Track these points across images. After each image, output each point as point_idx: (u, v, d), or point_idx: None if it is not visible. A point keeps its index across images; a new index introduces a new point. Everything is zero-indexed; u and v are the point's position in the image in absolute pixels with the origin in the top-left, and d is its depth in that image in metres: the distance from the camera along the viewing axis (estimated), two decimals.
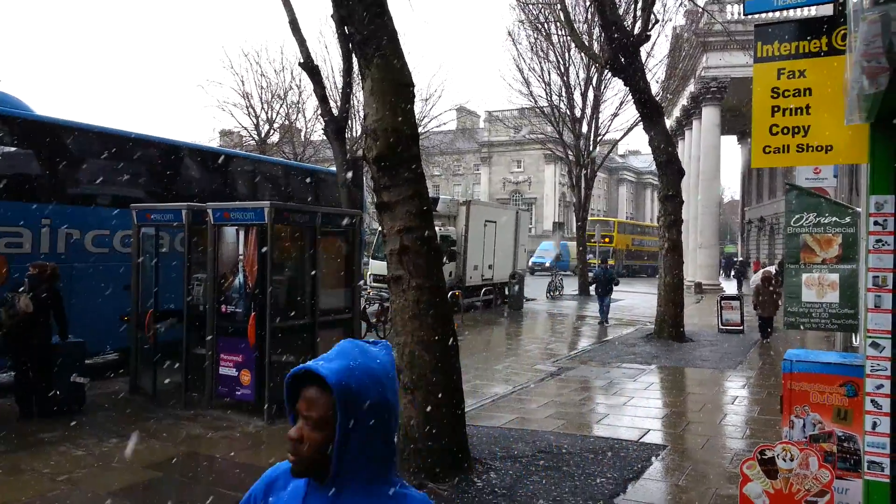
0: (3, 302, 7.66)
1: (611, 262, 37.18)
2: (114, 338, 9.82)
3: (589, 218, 27.48)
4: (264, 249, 7.77)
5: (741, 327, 16.41)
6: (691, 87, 32.68)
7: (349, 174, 12.85)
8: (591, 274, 19.43)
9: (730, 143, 77.57)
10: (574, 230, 34.05)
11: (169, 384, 8.82)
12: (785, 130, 3.94)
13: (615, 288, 18.61)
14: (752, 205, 44.10)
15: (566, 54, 25.94)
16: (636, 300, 26.74)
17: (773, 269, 19.94)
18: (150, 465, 6.27)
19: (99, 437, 7.05)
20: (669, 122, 30.79)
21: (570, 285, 30.75)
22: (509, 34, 27.21)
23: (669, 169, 15.30)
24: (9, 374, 8.34)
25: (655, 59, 41.14)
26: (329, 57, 29.39)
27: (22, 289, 7.69)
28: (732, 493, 5.16)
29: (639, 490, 5.67)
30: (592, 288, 18.87)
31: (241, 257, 8.15)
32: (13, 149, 9.64)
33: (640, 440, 7.21)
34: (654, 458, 6.52)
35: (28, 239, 9.12)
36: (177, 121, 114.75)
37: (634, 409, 8.70)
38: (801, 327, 5.11)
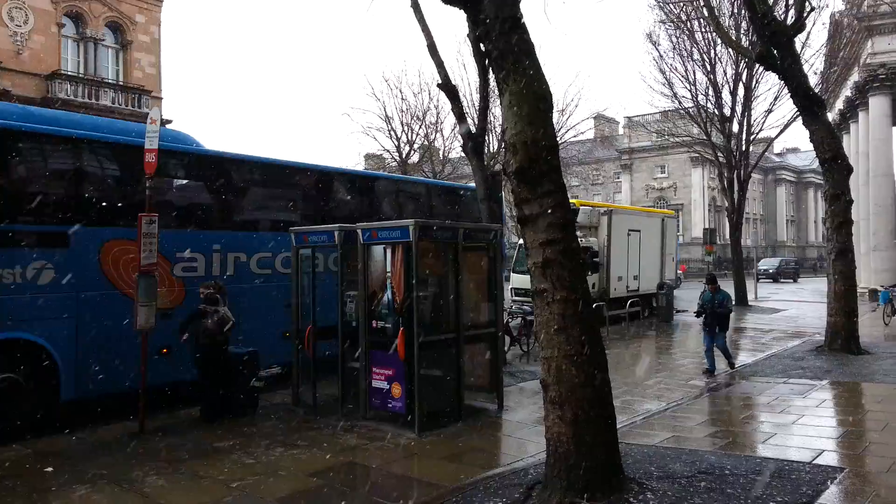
0: (203, 313, 8.74)
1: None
2: (277, 352, 10.52)
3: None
4: (410, 266, 8.02)
5: None
6: (855, 76, 29.83)
7: (488, 189, 12.98)
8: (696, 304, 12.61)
9: None
10: (727, 237, 32.08)
11: (327, 396, 9.33)
12: None
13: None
14: None
15: (711, 51, 24.65)
16: (802, 309, 24.69)
17: None
18: (312, 473, 6.64)
19: (266, 446, 7.57)
20: (832, 116, 28.26)
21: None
22: (648, 36, 26.30)
23: (835, 166, 14.01)
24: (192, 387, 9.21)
25: (812, 48, 38.05)
26: (466, 75, 29.86)
27: (214, 307, 8.78)
28: None
29: None
30: (700, 320, 12.41)
31: (388, 274, 8.47)
32: (186, 181, 10.67)
33: (813, 461, 6.59)
34: (829, 482, 5.93)
35: (201, 263, 10.00)
36: (325, 147, 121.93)
37: (805, 429, 7.99)
38: None
